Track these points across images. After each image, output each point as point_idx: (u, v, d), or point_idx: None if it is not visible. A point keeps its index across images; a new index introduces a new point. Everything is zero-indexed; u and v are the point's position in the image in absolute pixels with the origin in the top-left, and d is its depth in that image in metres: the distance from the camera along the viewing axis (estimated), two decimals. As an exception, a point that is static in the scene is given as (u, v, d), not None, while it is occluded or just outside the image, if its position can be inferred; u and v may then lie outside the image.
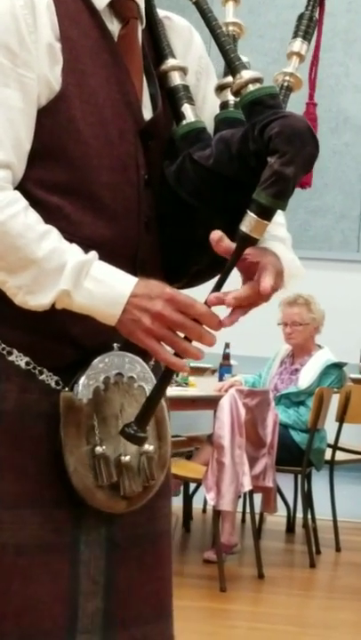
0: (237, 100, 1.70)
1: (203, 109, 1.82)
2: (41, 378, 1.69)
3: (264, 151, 1.57)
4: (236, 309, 1.62)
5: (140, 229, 1.71)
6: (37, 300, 1.61)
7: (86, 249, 1.64)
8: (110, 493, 1.68)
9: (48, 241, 1.61)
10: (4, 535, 1.67)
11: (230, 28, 1.78)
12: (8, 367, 1.69)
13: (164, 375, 1.62)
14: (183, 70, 1.78)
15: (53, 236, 1.62)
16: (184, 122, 1.74)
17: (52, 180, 1.67)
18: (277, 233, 1.73)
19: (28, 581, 1.66)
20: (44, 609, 1.66)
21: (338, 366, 6.10)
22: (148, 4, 1.80)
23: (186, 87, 1.76)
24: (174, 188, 1.69)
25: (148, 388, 1.69)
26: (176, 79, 1.77)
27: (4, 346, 1.69)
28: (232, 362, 6.36)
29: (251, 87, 1.66)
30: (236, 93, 1.69)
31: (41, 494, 1.68)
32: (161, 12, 1.83)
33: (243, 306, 1.61)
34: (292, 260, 1.71)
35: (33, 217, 1.63)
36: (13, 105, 1.63)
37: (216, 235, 1.59)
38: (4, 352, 1.69)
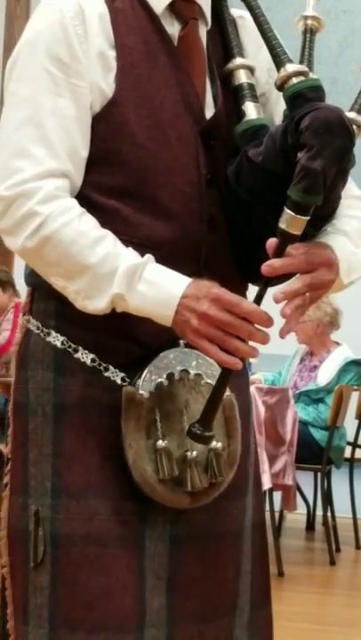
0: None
1: (278, 106, 1.81)
2: (106, 374, 1.71)
3: (298, 145, 1.58)
4: (293, 312, 1.61)
5: (202, 229, 1.71)
6: (95, 304, 1.64)
7: (146, 250, 1.66)
8: (173, 488, 1.68)
9: (101, 246, 1.64)
10: (72, 525, 1.69)
11: (309, 21, 1.77)
12: (74, 364, 1.72)
13: (222, 374, 1.63)
14: (250, 69, 1.78)
15: (107, 241, 1.65)
16: (244, 120, 1.74)
17: (109, 184, 1.70)
18: (342, 226, 1.72)
19: (97, 572, 1.67)
20: (114, 601, 1.67)
21: (357, 363, 6.09)
22: (218, 3, 1.80)
23: (251, 85, 1.76)
24: (233, 187, 1.71)
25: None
26: (241, 77, 1.76)
27: (70, 344, 1.72)
28: (251, 360, 6.36)
29: (294, 80, 1.66)
30: (280, 87, 1.68)
31: (106, 486, 1.70)
32: (236, 12, 1.83)
33: (299, 305, 1.61)
34: (353, 254, 1.70)
35: (88, 223, 1.66)
36: (68, 114, 1.67)
37: (270, 241, 1.60)
38: (71, 350, 1.72)
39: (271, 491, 5.34)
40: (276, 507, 5.56)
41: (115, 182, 1.69)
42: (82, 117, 1.68)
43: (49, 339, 1.74)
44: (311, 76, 1.70)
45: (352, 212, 1.76)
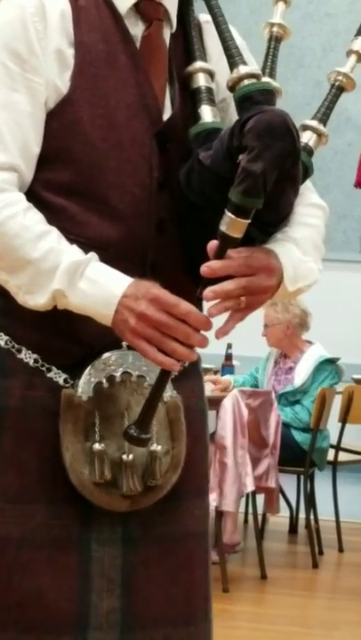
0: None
1: None
2: (49, 375, 1.70)
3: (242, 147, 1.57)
4: (231, 315, 1.61)
5: (150, 231, 1.70)
6: (35, 299, 1.64)
7: (91, 250, 1.65)
8: (109, 491, 1.68)
9: (45, 241, 1.63)
10: (7, 528, 1.69)
11: (275, 29, 1.78)
12: (16, 364, 1.71)
13: (160, 375, 1.62)
14: (209, 73, 1.77)
15: (51, 236, 1.64)
16: (198, 123, 1.73)
17: (59, 182, 1.69)
18: (293, 233, 1.71)
19: (30, 575, 1.67)
20: (48, 603, 1.67)
21: (331, 362, 6.09)
22: (184, 7, 1.80)
23: (208, 89, 1.75)
24: (184, 190, 1.70)
25: None
26: (199, 81, 1.76)
27: (13, 344, 1.72)
28: (235, 362, 6.36)
29: (245, 82, 1.66)
30: (231, 88, 1.68)
31: (44, 490, 1.69)
32: (203, 17, 1.83)
33: (237, 310, 1.60)
34: (301, 262, 1.69)
35: (33, 218, 1.65)
36: (22, 109, 1.67)
37: (211, 243, 1.59)
38: (14, 350, 1.72)
39: (254, 493, 5.34)
40: (259, 509, 5.55)
41: (64, 180, 1.69)
42: (36, 113, 1.68)
43: None
44: (264, 79, 1.70)
45: (308, 219, 1.75)
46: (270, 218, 1.67)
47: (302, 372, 6.03)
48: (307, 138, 1.73)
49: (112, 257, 1.66)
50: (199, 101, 1.74)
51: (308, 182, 1.77)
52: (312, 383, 5.96)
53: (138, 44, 1.74)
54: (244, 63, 1.68)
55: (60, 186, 1.69)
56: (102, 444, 1.67)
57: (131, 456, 1.68)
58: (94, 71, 1.69)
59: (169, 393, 1.73)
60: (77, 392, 1.67)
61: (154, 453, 1.70)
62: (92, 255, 1.64)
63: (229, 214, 1.56)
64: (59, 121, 1.68)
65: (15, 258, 1.63)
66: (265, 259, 1.63)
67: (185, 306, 1.58)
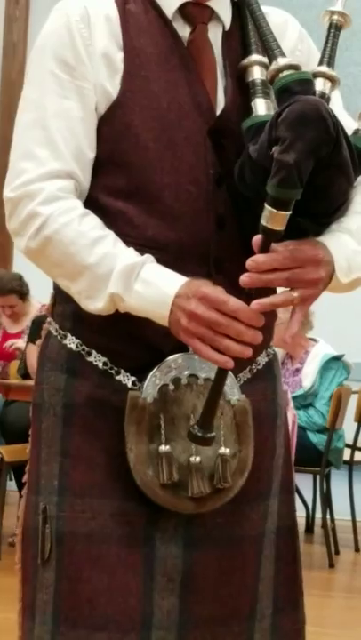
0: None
1: None
2: (118, 378, 1.71)
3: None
4: (292, 314, 1.62)
5: (210, 228, 1.70)
6: (95, 304, 1.65)
7: (152, 252, 1.66)
8: (175, 493, 1.67)
9: (100, 246, 1.64)
10: (75, 523, 1.70)
11: (335, 17, 1.75)
12: (86, 367, 1.73)
13: (218, 373, 1.61)
14: (265, 65, 1.74)
15: (107, 241, 1.65)
16: (251, 116, 1.71)
17: (115, 186, 1.70)
18: (348, 224, 1.70)
19: (99, 571, 1.68)
20: (117, 600, 1.67)
21: (336, 358, 6.08)
22: (241, 2, 1.78)
23: (263, 82, 1.73)
24: (238, 184, 1.68)
25: (229, 391, 1.70)
26: (253, 74, 1.74)
27: (84, 347, 1.73)
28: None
29: (283, 74, 1.65)
30: (271, 81, 1.67)
31: (111, 487, 1.70)
32: (265, 9, 1.80)
33: (295, 307, 1.61)
34: (356, 253, 1.68)
35: (89, 224, 1.67)
36: (74, 115, 1.69)
37: (255, 238, 1.58)
38: (84, 353, 1.73)
39: (270, 493, 5.33)
40: (275, 509, 5.55)
41: (120, 184, 1.70)
42: (88, 119, 1.70)
43: (65, 341, 1.75)
44: (322, 68, 1.69)
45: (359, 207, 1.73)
46: (322, 208, 1.66)
47: (309, 373, 6.03)
48: None
49: (173, 256, 1.66)
50: (253, 94, 1.72)
51: None
52: (321, 384, 5.95)
53: (185, 46, 1.74)
54: (283, 55, 1.67)
55: (116, 190, 1.70)
56: (168, 446, 1.67)
57: (198, 458, 1.68)
58: (144, 74, 1.70)
59: (236, 396, 1.72)
60: (142, 394, 1.67)
61: (223, 456, 1.69)
62: (147, 257, 1.64)
63: (268, 207, 1.55)
64: (110, 125, 1.70)
65: (73, 264, 1.65)
66: (311, 250, 1.61)
67: (234, 302, 1.57)
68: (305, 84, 1.64)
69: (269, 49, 1.69)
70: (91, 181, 1.72)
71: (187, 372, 1.69)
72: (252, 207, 1.65)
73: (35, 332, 6.01)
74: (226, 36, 1.77)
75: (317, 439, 5.85)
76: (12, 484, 5.88)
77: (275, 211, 1.55)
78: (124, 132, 1.69)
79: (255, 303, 1.57)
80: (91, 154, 1.71)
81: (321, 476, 5.86)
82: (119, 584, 1.68)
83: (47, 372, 1.77)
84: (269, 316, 1.74)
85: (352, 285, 1.72)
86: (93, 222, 1.67)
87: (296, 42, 1.83)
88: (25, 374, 6.08)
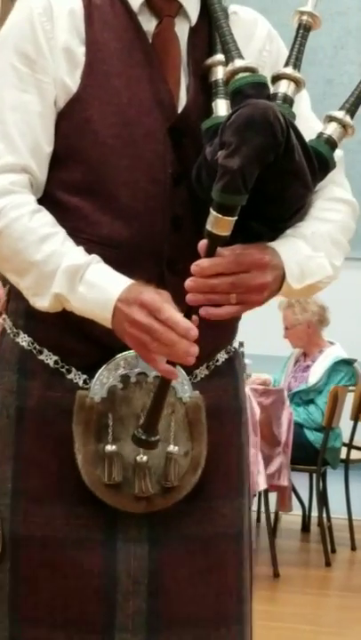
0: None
1: None
2: (69, 377, 1.70)
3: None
4: (225, 306, 1.57)
5: (165, 228, 1.68)
6: (41, 302, 1.64)
7: (106, 249, 1.64)
8: (123, 492, 1.67)
9: (48, 244, 1.63)
10: (30, 527, 1.69)
11: (304, 17, 1.72)
12: (36, 365, 1.71)
13: (160, 381, 1.59)
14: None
15: (55, 239, 1.64)
16: (211, 117, 1.69)
17: (72, 181, 1.69)
18: (304, 229, 1.68)
19: (56, 574, 1.67)
20: (74, 603, 1.67)
21: (348, 362, 6.09)
22: (207, 1, 1.75)
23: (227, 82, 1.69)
24: (194, 186, 1.67)
25: (180, 389, 1.68)
26: (217, 74, 1.71)
27: (35, 345, 1.72)
28: (246, 360, 6.36)
29: (238, 76, 1.62)
30: (226, 83, 1.65)
31: (65, 490, 1.69)
32: (232, 8, 1.80)
33: (213, 300, 1.56)
34: (308, 258, 1.65)
35: (40, 220, 1.65)
36: (32, 109, 1.67)
37: (201, 242, 1.56)
38: (35, 351, 1.72)
39: (267, 492, 5.34)
40: (272, 508, 5.55)
41: (76, 179, 1.68)
42: (46, 113, 1.68)
43: (17, 339, 1.74)
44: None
45: (325, 214, 1.71)
46: (277, 213, 1.64)
47: (317, 370, 6.03)
48: (331, 130, 1.68)
49: (126, 255, 1.65)
50: (215, 95, 1.70)
51: (336, 176, 1.73)
52: (327, 384, 5.96)
53: (150, 40, 1.72)
54: (241, 57, 1.64)
55: (73, 185, 1.68)
56: (114, 446, 1.66)
57: (145, 457, 1.66)
58: (106, 69, 1.68)
59: (188, 393, 1.70)
60: (89, 393, 1.66)
61: (169, 455, 1.68)
62: (93, 257, 1.63)
63: (213, 212, 1.53)
64: (69, 120, 1.68)
65: (20, 260, 1.64)
66: (257, 254, 1.59)
67: (165, 311, 1.54)
68: (259, 87, 1.61)
69: (227, 50, 1.66)
70: (48, 176, 1.70)
71: (136, 370, 1.67)
72: (208, 209, 1.62)
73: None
74: (192, 32, 1.75)
75: (315, 437, 5.85)
76: None
77: (219, 216, 1.52)
78: (82, 128, 1.67)
79: (191, 295, 1.54)
80: (48, 148, 1.69)
81: (317, 475, 5.86)
82: (75, 588, 1.67)
83: (1, 372, 1.76)
84: (236, 317, 1.71)
85: (307, 291, 1.70)
86: (44, 219, 1.66)
87: (264, 42, 1.80)
88: None
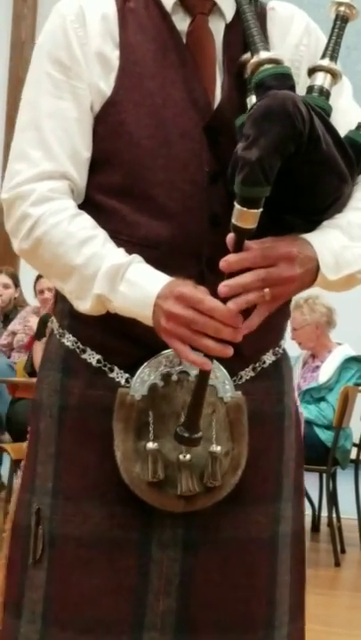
0: (313, 85, 1.67)
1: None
2: (111, 375, 1.70)
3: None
4: (257, 309, 1.59)
5: (203, 226, 1.67)
6: (83, 305, 1.65)
7: (145, 250, 1.65)
8: (164, 491, 1.66)
9: (88, 247, 1.64)
10: (66, 527, 1.70)
11: (341, 8, 1.72)
12: (79, 365, 1.72)
13: (199, 375, 1.59)
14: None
15: (95, 241, 1.65)
16: (246, 113, 1.66)
17: (109, 184, 1.70)
18: (340, 220, 1.67)
19: (88, 574, 1.67)
20: (105, 602, 1.67)
21: (357, 360, 6.09)
22: None
23: None
24: (228, 182, 1.64)
25: (222, 388, 1.68)
26: (250, 70, 1.69)
27: (79, 344, 1.73)
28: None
29: (262, 68, 1.62)
30: (251, 75, 1.65)
31: (103, 489, 1.69)
32: (271, 3, 1.80)
33: (263, 303, 1.57)
34: (344, 248, 1.65)
35: (79, 224, 1.66)
36: (69, 116, 1.69)
37: (228, 237, 1.56)
38: (78, 350, 1.72)
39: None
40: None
41: (114, 182, 1.69)
42: (83, 118, 1.69)
43: (63, 339, 1.75)
44: (324, 62, 1.66)
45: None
46: (311, 205, 1.64)
47: (328, 369, 6.04)
48: None
49: (165, 255, 1.65)
50: (249, 91, 1.69)
51: None
52: (337, 382, 5.96)
53: (184, 39, 1.72)
54: (266, 49, 1.65)
55: (111, 188, 1.69)
56: (156, 443, 1.65)
57: (188, 456, 1.65)
58: (139, 71, 1.69)
59: (229, 393, 1.68)
60: (130, 391, 1.66)
61: (214, 454, 1.67)
62: (134, 257, 1.63)
63: (237, 205, 1.52)
64: (104, 124, 1.69)
65: (62, 265, 1.65)
66: (285, 247, 1.59)
67: (209, 301, 1.55)
68: (282, 78, 1.61)
69: (252, 43, 1.66)
70: (87, 180, 1.72)
71: (178, 368, 1.67)
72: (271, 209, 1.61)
73: (40, 329, 6.03)
74: (228, 29, 1.74)
75: (326, 436, 5.85)
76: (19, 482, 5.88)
77: (243, 209, 1.52)
78: (117, 130, 1.68)
79: (231, 303, 1.54)
80: (86, 153, 1.70)
81: (327, 475, 5.86)
82: (109, 587, 1.67)
83: (46, 372, 1.77)
84: (277, 315, 1.70)
85: (347, 283, 1.69)
86: (84, 223, 1.67)
87: (301, 36, 1.79)
88: (32, 372, 6.09)
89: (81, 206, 1.71)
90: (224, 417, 1.69)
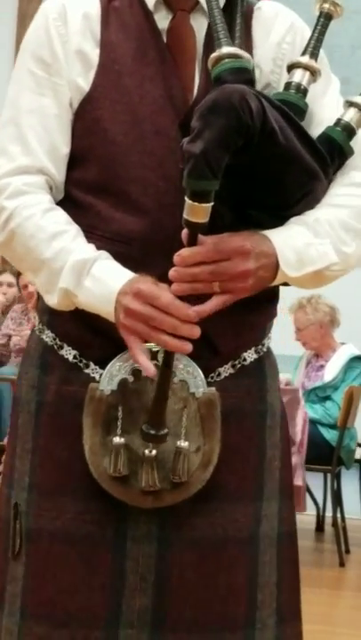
0: (289, 80, 1.66)
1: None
2: (86, 371, 1.70)
3: None
4: (212, 298, 1.57)
5: (176, 223, 1.63)
6: (51, 299, 1.66)
7: (118, 245, 1.66)
8: (131, 486, 1.66)
9: (58, 241, 1.65)
10: (40, 521, 1.70)
11: (326, 5, 1.71)
12: (56, 360, 1.73)
13: (160, 373, 1.59)
14: (235, 57, 1.65)
15: (66, 236, 1.66)
16: None
17: (86, 180, 1.71)
18: (309, 215, 1.65)
19: (63, 569, 1.68)
20: (79, 598, 1.67)
21: None
22: None
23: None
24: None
25: (193, 383, 1.66)
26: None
27: (57, 340, 1.73)
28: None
29: (221, 63, 1.61)
30: (212, 69, 1.63)
31: (77, 485, 1.69)
32: (259, 4, 1.79)
33: (218, 294, 1.56)
34: (308, 245, 1.63)
35: (51, 218, 1.67)
36: (48, 112, 1.71)
37: (183, 232, 1.56)
38: (56, 347, 1.73)
39: (281, 491, 5.33)
40: (286, 508, 5.55)
41: (90, 178, 1.70)
42: (62, 115, 1.71)
43: (42, 335, 1.76)
44: (304, 59, 1.65)
45: (339, 200, 1.69)
46: (278, 201, 1.63)
47: (333, 368, 6.04)
48: (349, 116, 1.67)
49: (138, 250, 1.65)
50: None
51: (358, 161, 1.70)
52: (343, 380, 5.96)
53: (165, 37, 1.73)
54: (229, 44, 1.63)
55: (87, 184, 1.71)
56: (122, 438, 1.65)
57: (154, 451, 1.65)
58: (118, 68, 1.70)
59: (201, 389, 1.66)
60: (100, 386, 1.66)
61: (179, 449, 1.66)
62: (101, 253, 1.64)
63: (186, 199, 1.51)
64: (81, 120, 1.71)
65: (32, 258, 1.67)
66: (239, 241, 1.58)
67: (166, 297, 1.55)
68: (238, 72, 1.60)
69: (216, 38, 1.65)
70: (66, 176, 1.73)
71: None
72: (220, 203, 1.61)
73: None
74: (210, 27, 1.72)
75: (331, 435, 5.85)
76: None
77: (192, 203, 1.51)
78: (93, 127, 1.69)
79: (174, 285, 1.55)
80: (65, 149, 1.72)
81: (332, 475, 5.85)
82: (82, 582, 1.67)
83: (26, 368, 1.78)
84: (256, 313, 1.71)
85: (316, 280, 1.67)
86: (56, 217, 1.68)
87: (284, 34, 1.77)
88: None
89: (60, 202, 1.72)
90: (195, 412, 1.67)
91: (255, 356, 1.77)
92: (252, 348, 1.76)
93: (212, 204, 1.52)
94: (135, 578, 1.68)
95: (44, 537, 1.70)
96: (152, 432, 1.61)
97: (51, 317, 1.74)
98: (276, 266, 1.61)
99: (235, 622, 1.71)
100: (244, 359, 1.75)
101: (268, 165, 1.57)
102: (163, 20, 1.73)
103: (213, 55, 1.62)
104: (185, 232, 1.56)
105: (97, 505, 1.68)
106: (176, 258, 1.55)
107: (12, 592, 1.73)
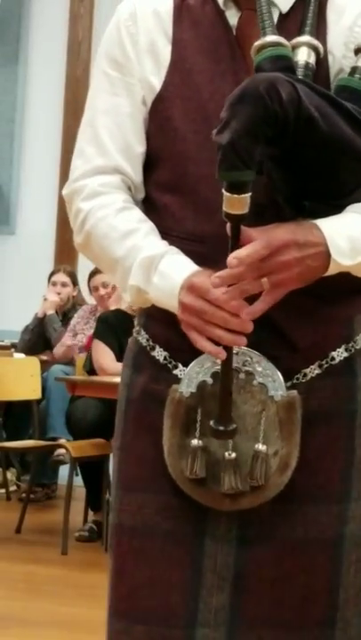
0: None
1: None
2: (175, 372, 1.70)
3: None
4: (262, 296, 1.56)
5: (248, 218, 1.60)
6: (126, 297, 1.68)
7: (192, 245, 1.66)
8: (209, 488, 1.65)
9: (129, 240, 1.66)
10: (122, 516, 1.72)
11: None
12: (147, 361, 1.74)
13: (221, 366, 1.59)
14: (313, 47, 1.66)
15: (137, 234, 1.66)
16: None
17: (161, 181, 1.72)
18: None
19: (142, 565, 1.68)
20: (159, 595, 1.67)
21: None
22: None
23: (307, 64, 1.64)
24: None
25: (272, 386, 1.64)
26: (298, 56, 1.65)
27: (150, 342, 1.74)
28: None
29: (261, 52, 1.60)
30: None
31: (158, 481, 1.69)
32: None
33: (246, 290, 1.55)
34: None
35: (124, 217, 1.68)
36: (122, 111, 1.73)
37: (228, 226, 1.55)
38: (149, 348, 1.74)
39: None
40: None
41: (164, 178, 1.71)
42: (136, 114, 1.72)
43: (138, 337, 1.77)
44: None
45: None
46: (333, 190, 1.61)
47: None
48: None
49: (211, 249, 1.64)
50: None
51: None
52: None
53: (235, 33, 1.72)
54: (274, 33, 1.62)
55: (162, 184, 1.71)
56: (201, 441, 1.65)
57: (233, 454, 1.64)
58: (188, 66, 1.70)
59: (280, 392, 1.64)
60: (179, 388, 1.66)
61: (257, 453, 1.64)
62: (170, 249, 1.64)
63: (224, 191, 1.51)
64: (154, 120, 1.72)
65: (107, 258, 1.70)
66: (284, 234, 1.56)
67: (214, 292, 1.54)
68: (275, 61, 1.59)
69: (261, 27, 1.64)
70: (144, 178, 1.74)
71: None
72: (292, 196, 1.61)
73: (98, 328, 6.04)
74: (283, 19, 1.72)
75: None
76: (78, 480, 5.91)
77: (228, 194, 1.51)
78: (165, 126, 1.70)
79: (226, 293, 1.54)
80: (140, 148, 1.73)
81: None
82: (161, 578, 1.67)
83: (123, 369, 1.80)
84: (337, 306, 1.68)
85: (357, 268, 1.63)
86: (129, 216, 1.69)
87: (356, 18, 1.73)
88: (90, 370, 6.10)
89: (141, 204, 1.74)
90: (274, 416, 1.65)
91: (346, 354, 1.72)
92: (342, 347, 1.71)
93: (249, 194, 1.51)
94: (213, 576, 1.67)
95: (125, 532, 1.71)
96: (221, 428, 1.60)
97: (146, 320, 1.75)
98: (328, 255, 1.59)
99: (311, 621, 1.69)
100: (333, 358, 1.71)
101: (317, 154, 1.55)
102: (233, 18, 1.73)
103: (256, 44, 1.61)
104: (228, 226, 1.54)
105: (178, 502, 1.68)
106: (233, 261, 1.53)
107: (108, 587, 1.74)
